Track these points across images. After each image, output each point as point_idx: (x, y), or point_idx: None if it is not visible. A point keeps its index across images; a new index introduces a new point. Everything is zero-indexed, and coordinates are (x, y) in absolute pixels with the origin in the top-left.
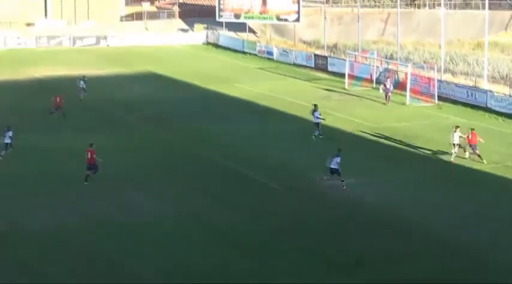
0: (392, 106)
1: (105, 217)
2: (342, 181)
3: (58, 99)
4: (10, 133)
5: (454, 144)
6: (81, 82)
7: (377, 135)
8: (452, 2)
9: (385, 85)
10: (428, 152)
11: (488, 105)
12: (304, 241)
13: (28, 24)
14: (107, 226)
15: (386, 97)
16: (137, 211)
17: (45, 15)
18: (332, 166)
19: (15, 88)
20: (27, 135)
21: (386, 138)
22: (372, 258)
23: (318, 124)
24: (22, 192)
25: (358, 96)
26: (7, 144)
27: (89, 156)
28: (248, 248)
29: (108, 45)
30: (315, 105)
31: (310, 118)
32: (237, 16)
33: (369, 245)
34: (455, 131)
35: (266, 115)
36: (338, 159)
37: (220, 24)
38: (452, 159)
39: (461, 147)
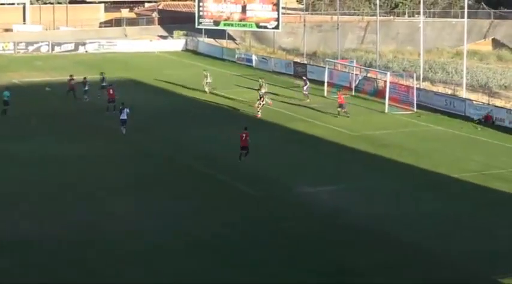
0: (371, 114)
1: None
2: None
3: (111, 91)
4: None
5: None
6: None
7: (355, 142)
8: (431, 10)
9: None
10: (407, 161)
11: (466, 113)
12: (284, 249)
13: (6, 30)
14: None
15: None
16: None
17: (24, 20)
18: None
19: None
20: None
21: (364, 145)
22: (352, 267)
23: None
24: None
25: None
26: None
27: (243, 138)
28: (229, 257)
29: (86, 52)
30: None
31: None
32: (216, 23)
33: (349, 254)
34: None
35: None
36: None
37: (199, 31)
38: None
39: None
